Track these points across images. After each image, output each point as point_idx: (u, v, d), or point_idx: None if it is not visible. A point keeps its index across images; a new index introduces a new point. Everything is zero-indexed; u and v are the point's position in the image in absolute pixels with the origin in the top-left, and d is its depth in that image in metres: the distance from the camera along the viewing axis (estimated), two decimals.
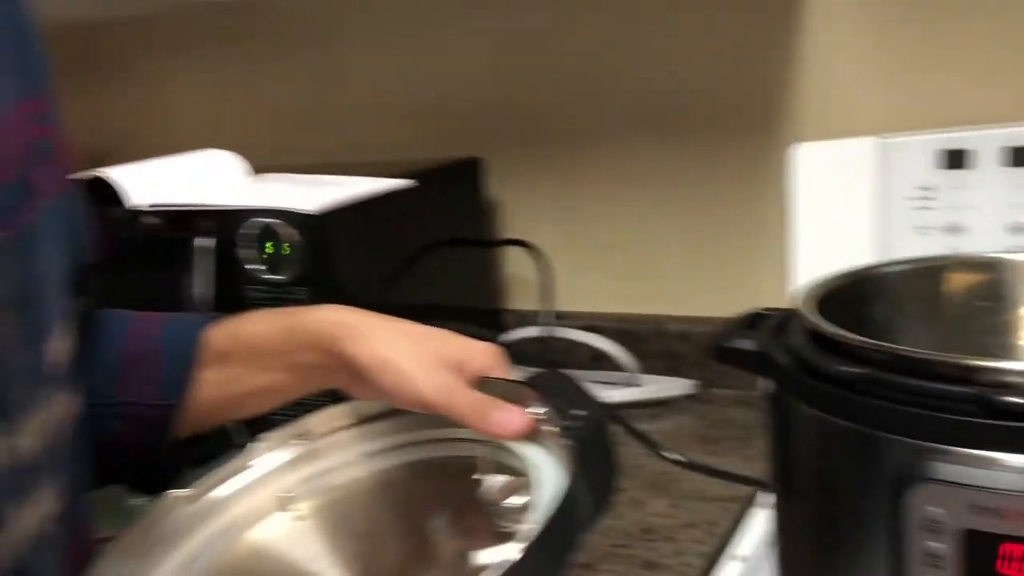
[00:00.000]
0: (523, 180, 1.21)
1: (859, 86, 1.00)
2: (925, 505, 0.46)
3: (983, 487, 0.44)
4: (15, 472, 0.43)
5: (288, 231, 0.84)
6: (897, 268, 0.64)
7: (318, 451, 0.59)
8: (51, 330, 0.49)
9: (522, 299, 1.23)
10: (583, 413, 0.49)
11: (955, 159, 0.89)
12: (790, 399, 0.54)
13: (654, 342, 1.15)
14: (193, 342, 0.62)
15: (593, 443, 0.48)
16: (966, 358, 0.46)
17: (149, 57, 1.48)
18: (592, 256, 1.19)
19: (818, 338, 0.54)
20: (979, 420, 0.44)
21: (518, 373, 0.57)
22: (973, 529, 0.45)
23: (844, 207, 0.93)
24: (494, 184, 1.21)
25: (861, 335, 0.52)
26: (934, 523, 0.46)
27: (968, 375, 0.45)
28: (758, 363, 0.58)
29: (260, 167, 1.10)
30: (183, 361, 0.61)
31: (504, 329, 1.22)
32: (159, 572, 0.50)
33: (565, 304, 1.19)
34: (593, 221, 1.19)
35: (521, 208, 1.22)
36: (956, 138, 0.89)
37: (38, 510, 0.45)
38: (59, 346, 0.50)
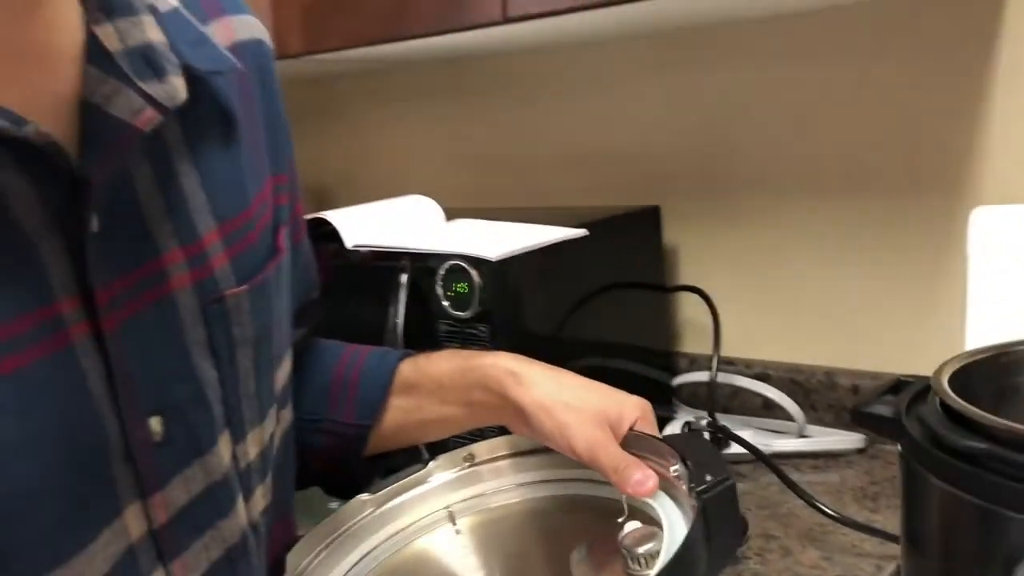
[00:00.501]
0: (700, 228, 1.25)
1: None
2: None
3: None
4: (240, 474, 0.53)
5: (472, 274, 0.94)
6: None
7: (481, 475, 0.67)
8: (280, 360, 0.60)
9: (695, 343, 1.27)
10: (712, 477, 0.54)
11: None
12: (918, 467, 0.57)
13: (824, 393, 1.16)
14: (388, 373, 0.71)
15: (719, 504, 0.53)
16: None
17: (367, 107, 1.65)
18: (765, 305, 1.22)
19: (947, 410, 0.56)
20: None
21: (679, 421, 0.63)
22: None
23: (1020, 273, 0.92)
24: (671, 231, 1.26)
25: (997, 410, 0.54)
26: None
27: None
28: (892, 430, 0.61)
29: (458, 209, 1.21)
30: (378, 389, 0.70)
31: (676, 372, 1.27)
32: (342, 563, 0.60)
33: (737, 350, 1.23)
34: (768, 271, 1.21)
35: (697, 255, 1.27)
36: None
37: (252, 504, 0.56)
38: (283, 372, 0.61)
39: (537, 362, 0.66)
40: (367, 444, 0.71)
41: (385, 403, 0.70)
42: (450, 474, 0.67)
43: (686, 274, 1.27)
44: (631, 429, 0.61)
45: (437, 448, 0.71)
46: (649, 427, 0.62)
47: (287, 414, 0.63)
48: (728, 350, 1.22)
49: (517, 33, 1.11)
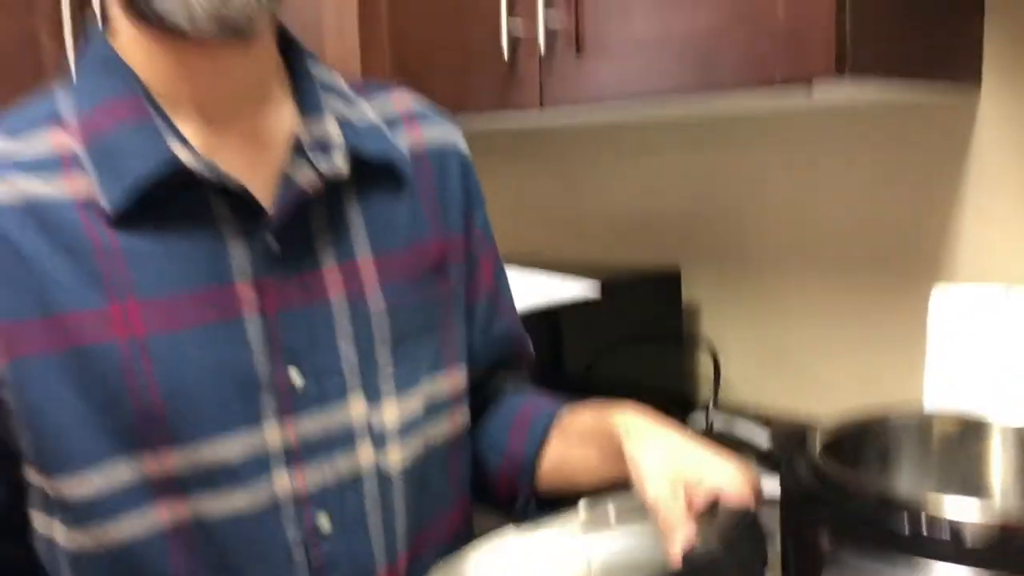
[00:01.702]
0: (716, 288, 1.41)
1: (1002, 240, 1.11)
2: None
3: None
4: (372, 428, 0.69)
5: None
6: (903, 418, 0.79)
7: (626, 524, 0.71)
8: (435, 363, 0.74)
9: (710, 390, 1.43)
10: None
11: None
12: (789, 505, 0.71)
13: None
14: (553, 415, 0.80)
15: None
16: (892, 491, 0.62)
17: None
18: (769, 357, 1.37)
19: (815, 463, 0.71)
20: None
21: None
22: None
23: (970, 344, 1.05)
24: (690, 290, 1.42)
25: (859, 468, 0.68)
26: None
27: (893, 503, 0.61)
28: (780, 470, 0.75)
29: (510, 258, 1.40)
30: (543, 427, 0.80)
31: (689, 415, 1.42)
32: None
33: (745, 396, 1.37)
34: (772, 326, 1.36)
35: (711, 311, 1.42)
36: None
37: (383, 455, 0.70)
38: (447, 379, 0.75)
39: (657, 419, 0.72)
40: (534, 473, 0.80)
41: (547, 439, 0.80)
42: (597, 518, 0.71)
43: (703, 328, 1.43)
44: (716, 499, 0.64)
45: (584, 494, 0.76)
46: (736, 498, 0.64)
47: (460, 418, 0.79)
48: (736, 395, 1.37)
49: (554, 115, 1.30)
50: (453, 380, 0.77)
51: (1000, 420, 0.75)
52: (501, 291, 0.86)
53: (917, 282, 1.19)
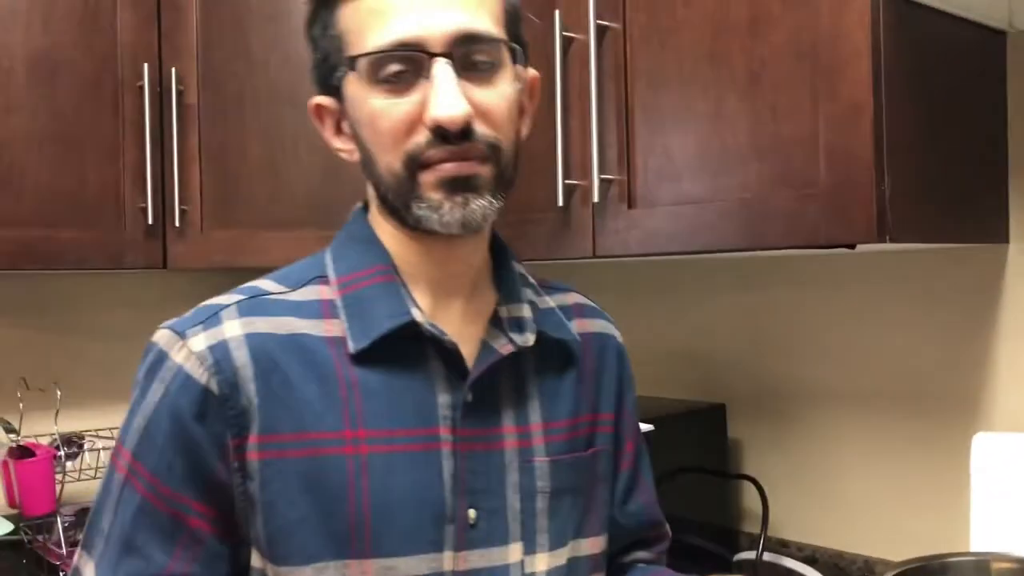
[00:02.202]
0: (760, 426, 1.46)
1: None
2: None
3: None
4: (524, 573, 0.80)
5: None
6: (966, 558, 0.84)
7: None
8: (580, 523, 0.85)
9: (754, 525, 1.47)
10: None
11: None
12: None
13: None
14: None
15: None
16: None
17: None
18: (810, 492, 1.41)
19: None
20: None
21: None
22: None
23: (1012, 489, 1.09)
24: (735, 426, 1.48)
25: None
26: None
27: None
28: None
29: None
30: None
31: (738, 549, 1.45)
32: None
33: (790, 534, 1.41)
34: (817, 466, 1.41)
35: (755, 448, 1.47)
36: None
37: None
38: (591, 540, 0.86)
39: None
40: None
41: None
42: None
43: (746, 464, 1.48)
44: None
45: None
46: None
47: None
48: (780, 532, 1.40)
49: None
50: (595, 544, 0.87)
51: None
52: (641, 472, 0.97)
53: (959, 428, 1.24)
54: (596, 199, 1.26)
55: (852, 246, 1.03)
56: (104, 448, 1.69)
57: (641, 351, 1.64)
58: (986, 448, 1.13)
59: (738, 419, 1.49)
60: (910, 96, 1.04)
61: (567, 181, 1.31)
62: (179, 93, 1.62)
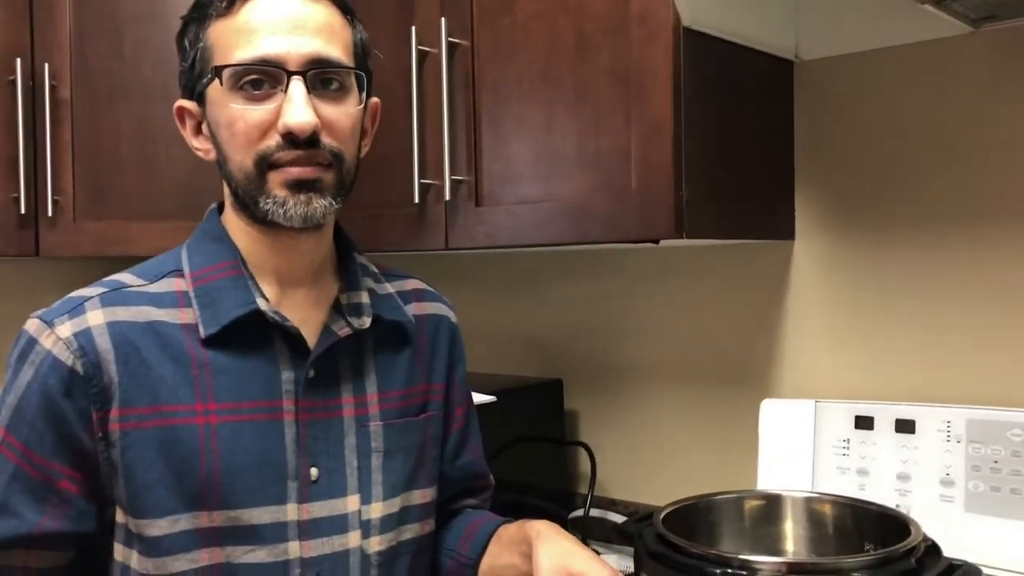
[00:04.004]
0: (592, 398, 1.66)
1: (814, 362, 1.40)
2: None
3: None
4: (361, 521, 0.93)
5: None
6: (724, 496, 1.06)
7: None
8: (411, 477, 0.97)
9: (587, 487, 1.66)
10: None
11: (863, 423, 1.26)
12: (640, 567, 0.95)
13: None
14: (493, 528, 1.03)
15: None
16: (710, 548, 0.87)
17: None
18: (636, 455, 1.61)
19: (658, 534, 0.95)
20: None
21: None
22: None
23: (790, 445, 1.32)
24: (571, 399, 1.67)
25: (694, 536, 0.93)
26: None
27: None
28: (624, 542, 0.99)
29: None
30: (484, 537, 1.03)
31: (572, 508, 1.64)
32: None
33: (616, 493, 1.61)
34: (639, 431, 1.61)
35: (589, 418, 1.67)
36: (863, 408, 1.27)
37: (368, 543, 0.93)
38: (421, 492, 0.99)
39: (562, 531, 0.95)
40: (476, 572, 1.02)
41: (485, 547, 1.03)
42: None
43: (580, 432, 1.67)
44: None
45: None
46: None
47: (427, 525, 1.01)
48: (609, 492, 1.60)
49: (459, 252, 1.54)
50: (424, 495, 1.01)
51: (792, 493, 1.03)
52: (470, 433, 1.11)
53: (751, 395, 1.47)
54: (448, 197, 1.41)
55: (656, 241, 1.22)
56: None
57: (488, 333, 1.82)
58: (772, 411, 1.36)
59: (573, 392, 1.68)
60: (706, 116, 1.23)
61: (423, 180, 1.46)
62: (52, 88, 1.68)
